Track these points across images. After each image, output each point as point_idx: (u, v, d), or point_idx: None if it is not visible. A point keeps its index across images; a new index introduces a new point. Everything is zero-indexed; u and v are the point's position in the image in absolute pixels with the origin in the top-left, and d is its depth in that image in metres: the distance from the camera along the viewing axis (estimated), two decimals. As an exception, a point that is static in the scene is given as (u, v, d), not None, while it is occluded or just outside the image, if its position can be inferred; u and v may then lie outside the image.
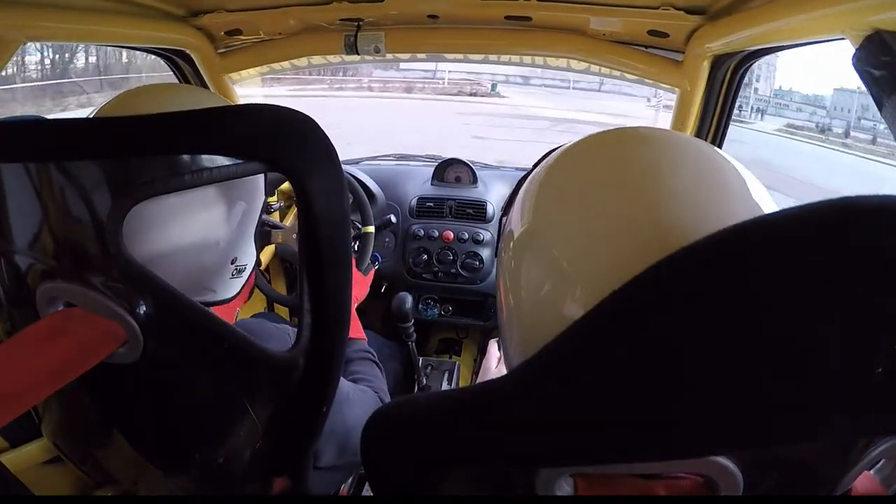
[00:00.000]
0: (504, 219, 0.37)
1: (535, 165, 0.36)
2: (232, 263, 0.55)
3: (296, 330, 0.48)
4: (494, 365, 0.70)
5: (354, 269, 1.03)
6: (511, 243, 0.33)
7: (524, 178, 0.36)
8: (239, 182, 0.51)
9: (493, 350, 0.72)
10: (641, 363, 0.20)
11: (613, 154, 0.31)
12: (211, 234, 0.51)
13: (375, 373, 0.77)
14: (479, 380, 0.86)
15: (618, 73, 1.13)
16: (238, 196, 0.53)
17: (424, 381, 1.23)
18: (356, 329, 0.85)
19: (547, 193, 0.32)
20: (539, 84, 18.06)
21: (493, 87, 16.93)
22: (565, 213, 0.29)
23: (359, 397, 0.64)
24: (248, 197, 0.54)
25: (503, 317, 0.34)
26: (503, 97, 16.26)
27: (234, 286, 0.57)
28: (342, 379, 0.60)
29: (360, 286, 1.09)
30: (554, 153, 0.34)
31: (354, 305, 0.95)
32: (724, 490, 0.23)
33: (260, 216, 0.58)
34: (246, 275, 0.58)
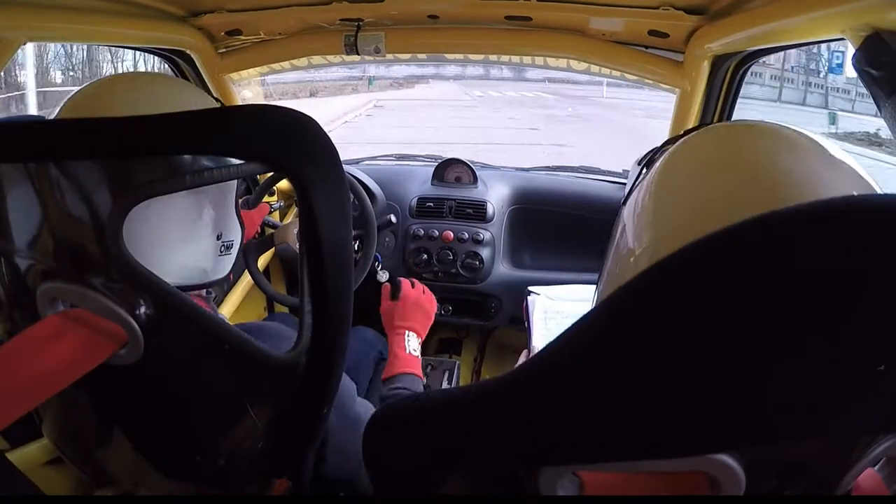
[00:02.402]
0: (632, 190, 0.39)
1: (652, 152, 0.39)
2: (218, 239, 0.55)
3: None
4: None
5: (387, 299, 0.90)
6: (635, 219, 0.35)
7: (649, 157, 0.39)
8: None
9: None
10: (644, 360, 0.20)
11: (727, 143, 0.34)
12: (194, 215, 0.52)
13: None
14: None
15: (618, 74, 1.13)
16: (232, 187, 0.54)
17: (425, 381, 1.23)
18: (410, 364, 0.76)
19: (669, 177, 0.35)
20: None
21: None
22: (685, 193, 0.33)
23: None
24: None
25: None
26: None
27: (225, 264, 0.57)
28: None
29: (413, 312, 0.85)
30: (677, 144, 0.38)
31: (419, 338, 0.84)
32: (726, 488, 0.23)
33: (238, 197, 0.58)
34: (234, 251, 0.59)
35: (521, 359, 0.74)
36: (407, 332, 0.83)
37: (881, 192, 0.24)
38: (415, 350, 0.80)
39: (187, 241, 0.52)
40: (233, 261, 0.59)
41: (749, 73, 0.98)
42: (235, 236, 0.58)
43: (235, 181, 0.58)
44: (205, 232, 0.53)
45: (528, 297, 0.82)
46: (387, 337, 0.86)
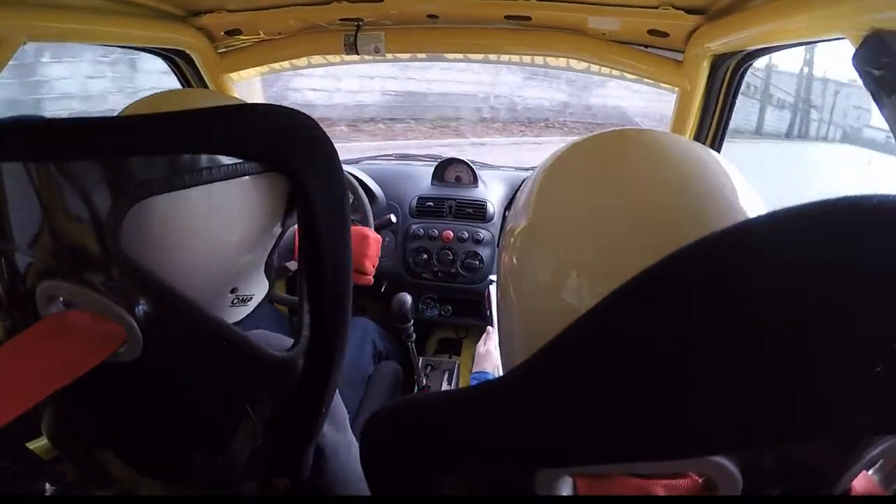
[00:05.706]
0: (506, 215, 0.39)
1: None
2: (232, 293, 0.50)
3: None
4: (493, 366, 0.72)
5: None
6: (512, 238, 0.34)
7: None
8: (254, 202, 0.46)
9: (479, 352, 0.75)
10: (640, 364, 0.20)
11: (607, 154, 0.33)
12: (208, 253, 0.46)
13: None
14: (476, 369, 0.89)
15: (617, 73, 1.13)
16: (249, 215, 0.47)
17: (424, 382, 1.23)
18: None
19: (546, 189, 0.34)
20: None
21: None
22: (562, 207, 0.32)
23: None
24: (262, 219, 0.48)
25: (503, 313, 0.36)
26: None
27: (235, 314, 0.53)
28: None
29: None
30: (554, 154, 0.36)
31: (370, 268, 0.84)
32: (722, 490, 0.23)
33: (273, 253, 0.52)
34: (253, 304, 0.54)
35: (481, 344, 0.74)
36: None
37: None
38: None
39: (199, 288, 0.45)
40: (248, 311, 0.54)
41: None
42: (257, 291, 0.53)
43: (273, 242, 0.52)
44: (216, 279, 0.48)
45: (490, 287, 0.86)
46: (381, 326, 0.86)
